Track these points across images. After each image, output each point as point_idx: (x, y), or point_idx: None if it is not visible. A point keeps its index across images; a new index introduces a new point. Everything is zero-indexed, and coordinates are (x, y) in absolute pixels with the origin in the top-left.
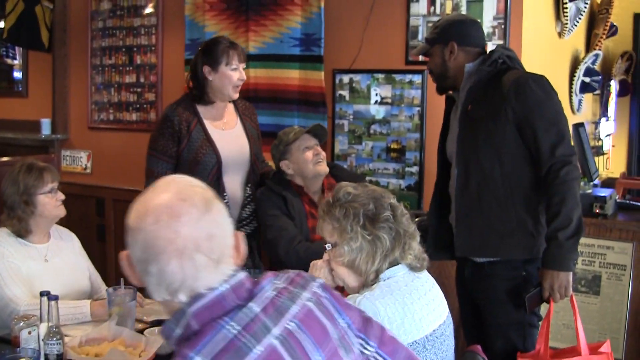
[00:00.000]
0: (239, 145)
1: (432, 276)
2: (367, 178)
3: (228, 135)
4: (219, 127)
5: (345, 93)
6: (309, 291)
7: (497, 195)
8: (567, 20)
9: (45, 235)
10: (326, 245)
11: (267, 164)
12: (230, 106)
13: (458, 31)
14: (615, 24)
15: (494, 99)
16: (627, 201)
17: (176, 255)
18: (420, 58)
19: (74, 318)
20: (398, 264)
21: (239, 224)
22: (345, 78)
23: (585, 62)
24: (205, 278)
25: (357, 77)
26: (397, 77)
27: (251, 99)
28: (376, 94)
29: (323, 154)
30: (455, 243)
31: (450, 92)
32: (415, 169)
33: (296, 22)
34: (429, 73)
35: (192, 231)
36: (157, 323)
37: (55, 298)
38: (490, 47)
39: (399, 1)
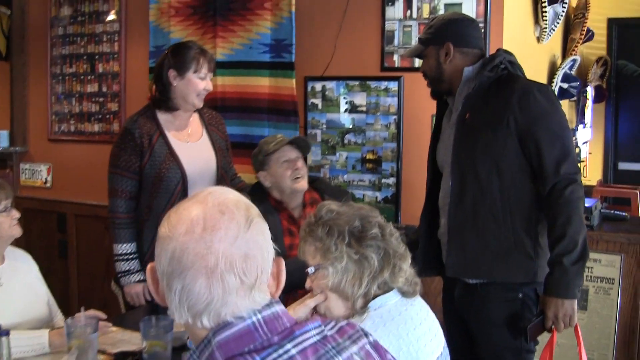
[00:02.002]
0: (205, 159)
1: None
2: None
3: (193, 148)
4: (183, 139)
5: (317, 101)
6: (358, 346)
7: (494, 210)
8: (546, 24)
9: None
10: (308, 270)
11: (239, 179)
12: (196, 116)
13: (454, 31)
14: (591, 28)
15: (496, 108)
16: (612, 211)
17: (205, 273)
18: (398, 63)
19: (32, 350)
20: (389, 290)
21: None
22: (318, 85)
23: (563, 68)
24: (234, 304)
25: (330, 85)
26: (372, 84)
27: (219, 108)
28: (350, 102)
29: (304, 169)
30: (445, 262)
31: (445, 96)
32: (392, 180)
33: (266, 28)
34: (423, 76)
35: (227, 248)
36: (122, 355)
37: (6, 333)
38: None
39: (373, 5)
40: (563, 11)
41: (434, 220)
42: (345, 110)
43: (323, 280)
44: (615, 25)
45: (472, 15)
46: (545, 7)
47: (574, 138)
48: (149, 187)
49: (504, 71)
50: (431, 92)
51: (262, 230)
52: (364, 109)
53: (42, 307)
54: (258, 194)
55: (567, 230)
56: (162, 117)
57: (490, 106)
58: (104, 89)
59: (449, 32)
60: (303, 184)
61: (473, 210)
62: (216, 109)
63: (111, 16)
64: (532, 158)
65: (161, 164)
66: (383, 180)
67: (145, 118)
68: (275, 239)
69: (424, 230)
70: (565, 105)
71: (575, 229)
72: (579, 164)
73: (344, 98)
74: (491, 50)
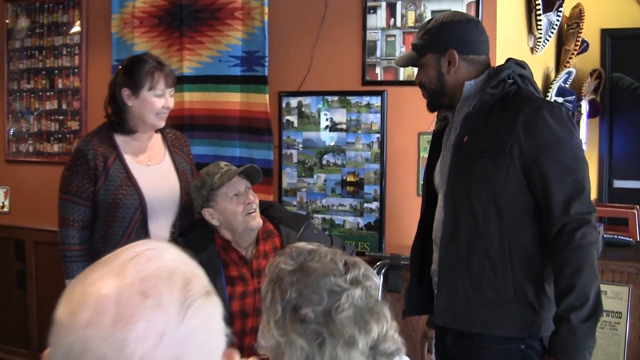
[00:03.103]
0: (168, 184)
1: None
2: (320, 216)
3: (154, 171)
4: (143, 163)
5: (293, 119)
6: None
7: (490, 253)
8: (540, 34)
9: None
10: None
11: None
12: (157, 137)
13: (458, 35)
14: (585, 39)
15: (498, 132)
16: (615, 236)
17: None
18: (380, 76)
19: None
20: None
21: None
22: (293, 101)
23: (557, 81)
24: None
25: (306, 101)
26: (353, 99)
27: (186, 127)
28: (329, 119)
29: (256, 202)
30: (435, 307)
31: (444, 110)
32: (375, 204)
33: (236, 39)
34: (420, 87)
35: (148, 351)
36: None
37: None
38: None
39: (353, 13)
40: (558, 20)
41: (426, 253)
42: (325, 128)
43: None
44: (609, 37)
45: None
46: (539, 15)
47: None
48: (104, 215)
49: (512, 87)
50: (428, 105)
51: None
52: (344, 126)
53: None
54: (202, 235)
55: (576, 282)
56: (120, 138)
57: (491, 129)
58: (64, 106)
59: (451, 36)
60: (258, 220)
61: (467, 249)
62: (183, 127)
63: (76, 27)
64: (538, 193)
65: (117, 189)
66: (365, 205)
67: (101, 138)
68: (219, 294)
69: (413, 266)
70: None
71: (586, 280)
72: (591, 200)
73: (323, 115)
74: None
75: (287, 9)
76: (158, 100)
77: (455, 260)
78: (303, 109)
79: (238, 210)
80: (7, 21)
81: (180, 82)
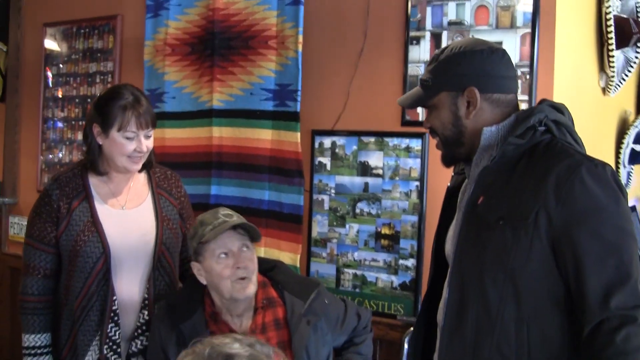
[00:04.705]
0: (141, 231)
1: None
2: (351, 271)
3: (127, 216)
4: (117, 206)
5: (326, 160)
6: None
7: (504, 349)
8: (613, 72)
9: None
10: None
11: None
12: (141, 177)
13: (480, 69)
14: None
15: (522, 193)
16: None
17: None
18: (422, 117)
19: None
20: None
21: (134, 341)
22: (327, 141)
23: (636, 126)
24: None
25: (340, 141)
26: (391, 141)
27: (214, 165)
28: (363, 163)
29: (251, 267)
30: None
31: (462, 164)
32: (411, 262)
33: (270, 70)
34: (430, 134)
35: None
36: None
37: None
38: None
39: (394, 44)
40: (637, 57)
41: (432, 338)
42: (363, 173)
43: None
44: None
45: (515, 56)
46: (612, 51)
47: None
48: (66, 264)
49: (544, 136)
50: (443, 156)
51: None
52: (380, 171)
53: None
54: (189, 297)
55: None
56: (94, 178)
57: (513, 190)
58: None
59: (472, 70)
60: (249, 290)
61: (475, 342)
62: (211, 165)
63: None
64: (570, 278)
65: (78, 234)
66: (401, 262)
67: (71, 177)
68: None
69: (413, 356)
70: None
71: None
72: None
73: (362, 157)
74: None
75: (322, 39)
76: (128, 144)
77: (460, 355)
78: (337, 150)
79: (224, 273)
80: (45, 46)
81: (209, 115)
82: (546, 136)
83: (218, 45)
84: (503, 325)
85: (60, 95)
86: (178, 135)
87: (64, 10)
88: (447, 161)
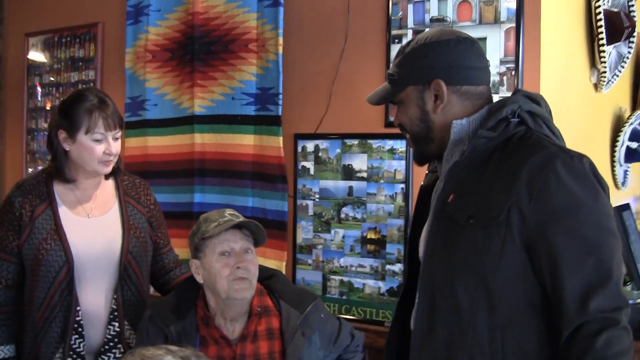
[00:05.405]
0: (106, 239)
1: None
2: (338, 278)
3: (93, 224)
4: (82, 214)
5: (309, 165)
6: None
7: (477, 357)
8: (605, 68)
9: None
10: None
11: (179, 270)
12: (108, 184)
13: (447, 60)
14: None
15: (492, 190)
16: None
17: None
18: None
19: None
20: None
21: (104, 356)
22: (310, 145)
23: (631, 124)
24: None
25: (323, 144)
26: (375, 143)
27: (196, 172)
28: (347, 166)
29: (252, 269)
30: None
31: (435, 162)
32: (398, 267)
33: (251, 74)
34: (401, 131)
35: None
36: None
37: None
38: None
39: (376, 44)
40: (629, 52)
41: (407, 343)
42: (347, 177)
43: None
44: None
45: (500, 54)
46: (602, 46)
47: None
48: (29, 273)
49: (518, 128)
50: (415, 155)
51: None
52: (364, 174)
53: None
54: (181, 301)
55: None
56: (59, 185)
57: (484, 186)
58: None
59: (438, 62)
60: (247, 290)
61: (447, 351)
62: (193, 172)
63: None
64: (546, 280)
65: (41, 242)
66: (387, 267)
67: (35, 184)
68: None
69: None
70: (637, 169)
71: None
72: (624, 292)
73: (346, 160)
74: None
75: (302, 40)
76: (97, 146)
77: None
78: (320, 154)
79: (223, 272)
80: (28, 56)
81: (191, 122)
82: (520, 128)
83: (198, 50)
84: (476, 334)
85: (44, 106)
86: (160, 143)
87: (45, 19)
88: (419, 159)
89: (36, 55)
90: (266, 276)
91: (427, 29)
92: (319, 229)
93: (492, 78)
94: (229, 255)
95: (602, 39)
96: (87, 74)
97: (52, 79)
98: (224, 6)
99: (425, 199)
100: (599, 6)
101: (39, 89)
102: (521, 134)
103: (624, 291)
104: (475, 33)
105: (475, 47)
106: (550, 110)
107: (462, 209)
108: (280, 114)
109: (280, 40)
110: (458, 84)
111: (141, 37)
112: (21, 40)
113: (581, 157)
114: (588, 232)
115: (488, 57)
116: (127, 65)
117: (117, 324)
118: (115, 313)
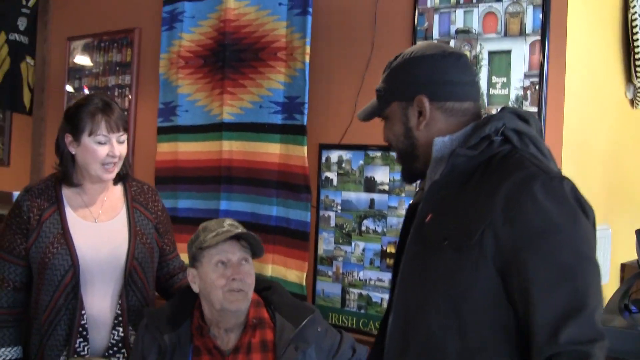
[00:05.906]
0: (113, 244)
1: None
2: (357, 291)
3: (100, 229)
4: (89, 218)
5: (332, 175)
6: None
7: None
8: None
9: None
10: None
11: (182, 275)
12: (116, 190)
13: (429, 75)
14: None
15: (469, 212)
16: None
17: None
18: None
19: None
20: None
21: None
22: (334, 156)
23: None
24: None
25: (347, 155)
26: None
27: (223, 180)
28: (369, 179)
29: (249, 281)
30: None
31: (421, 180)
32: None
33: (279, 82)
34: (389, 147)
35: None
36: None
37: None
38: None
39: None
40: None
41: None
42: (369, 189)
43: None
44: None
45: (524, 68)
46: (639, 60)
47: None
48: (36, 276)
49: (502, 147)
50: (402, 172)
51: None
52: (386, 187)
53: None
54: (177, 309)
55: None
56: (67, 190)
57: (461, 207)
58: None
59: (421, 78)
60: (242, 302)
61: None
62: (220, 179)
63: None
64: (518, 307)
65: (47, 246)
66: None
67: (43, 189)
68: None
69: None
70: None
71: None
72: (601, 324)
73: (369, 172)
74: (549, 116)
75: (329, 50)
76: (100, 148)
77: None
78: (343, 165)
79: (219, 283)
80: (74, 60)
81: (220, 129)
82: (505, 147)
83: (229, 57)
84: (445, 358)
85: None
86: (190, 149)
87: (86, 23)
88: (405, 176)
89: (80, 59)
90: (264, 287)
91: (452, 40)
92: (340, 240)
93: (515, 92)
94: (226, 266)
95: (638, 52)
96: (124, 78)
97: (89, 82)
98: (255, 14)
99: (413, 217)
100: (636, 19)
101: (85, 91)
102: (504, 153)
103: (600, 323)
104: (500, 46)
105: (462, 62)
106: (540, 129)
107: (437, 230)
108: (305, 123)
109: (308, 49)
110: (442, 100)
111: (175, 43)
112: (63, 44)
113: (562, 178)
114: (563, 257)
115: (512, 70)
116: (161, 71)
117: (121, 329)
118: (120, 318)
